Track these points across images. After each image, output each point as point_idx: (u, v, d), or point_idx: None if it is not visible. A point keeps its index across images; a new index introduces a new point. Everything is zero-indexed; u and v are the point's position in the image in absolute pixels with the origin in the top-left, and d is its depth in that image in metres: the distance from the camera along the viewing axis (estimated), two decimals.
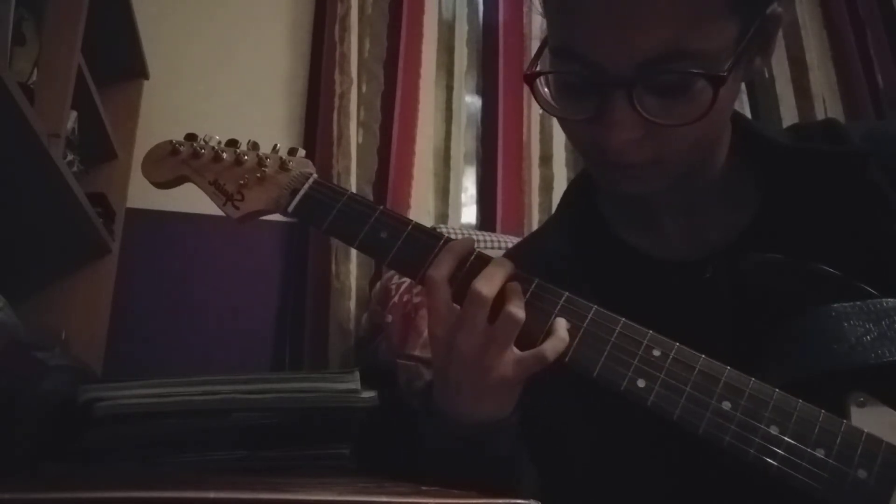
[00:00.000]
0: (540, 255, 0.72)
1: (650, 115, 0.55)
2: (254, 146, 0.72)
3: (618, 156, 0.58)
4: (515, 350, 0.58)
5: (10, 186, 1.01)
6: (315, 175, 0.70)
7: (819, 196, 0.64)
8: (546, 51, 0.61)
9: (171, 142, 0.73)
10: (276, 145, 0.73)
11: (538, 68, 0.61)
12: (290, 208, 0.68)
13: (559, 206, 0.80)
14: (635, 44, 0.53)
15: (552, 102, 0.62)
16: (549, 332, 0.58)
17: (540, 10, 0.63)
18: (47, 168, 0.97)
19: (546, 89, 0.62)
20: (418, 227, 0.64)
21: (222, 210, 0.70)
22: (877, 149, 0.64)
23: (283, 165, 0.70)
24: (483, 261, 0.61)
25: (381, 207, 0.66)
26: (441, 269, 0.60)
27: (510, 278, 0.60)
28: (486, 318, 0.58)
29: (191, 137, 0.73)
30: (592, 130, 0.58)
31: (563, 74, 0.60)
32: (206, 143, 0.73)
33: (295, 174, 0.70)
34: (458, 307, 0.59)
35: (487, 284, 0.58)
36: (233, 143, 0.73)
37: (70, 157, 1.31)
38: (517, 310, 0.57)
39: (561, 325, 0.58)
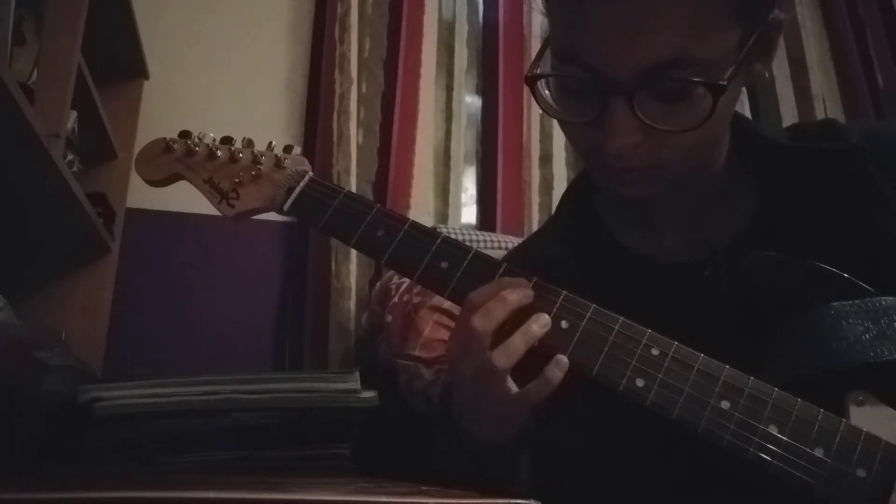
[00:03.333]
0: (539, 260, 0.72)
1: (650, 121, 0.55)
2: (248, 144, 0.72)
3: (617, 160, 0.58)
4: (510, 385, 0.58)
5: (10, 186, 1.01)
6: (311, 173, 0.69)
7: (817, 195, 0.64)
8: (548, 53, 0.61)
9: (164, 139, 0.72)
10: (270, 143, 0.72)
11: (539, 70, 0.61)
12: (286, 206, 0.68)
13: (557, 209, 0.80)
14: (638, 51, 0.53)
15: (553, 104, 0.62)
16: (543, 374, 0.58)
17: (542, 9, 0.63)
18: (47, 168, 0.97)
19: (546, 91, 0.62)
20: (415, 226, 0.64)
21: (217, 209, 0.70)
22: (875, 148, 0.64)
23: (278, 163, 0.70)
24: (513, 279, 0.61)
25: (378, 205, 0.66)
26: (481, 294, 0.60)
27: (513, 312, 0.59)
28: (485, 350, 0.58)
29: (185, 135, 0.73)
30: (592, 134, 0.59)
31: (564, 78, 0.60)
32: (200, 140, 0.72)
33: (290, 172, 0.69)
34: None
35: (484, 321, 0.58)
36: (227, 141, 0.72)
37: (70, 157, 1.32)
38: (514, 348, 0.58)
39: (559, 365, 0.58)
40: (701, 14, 0.53)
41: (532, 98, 1.99)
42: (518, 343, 0.58)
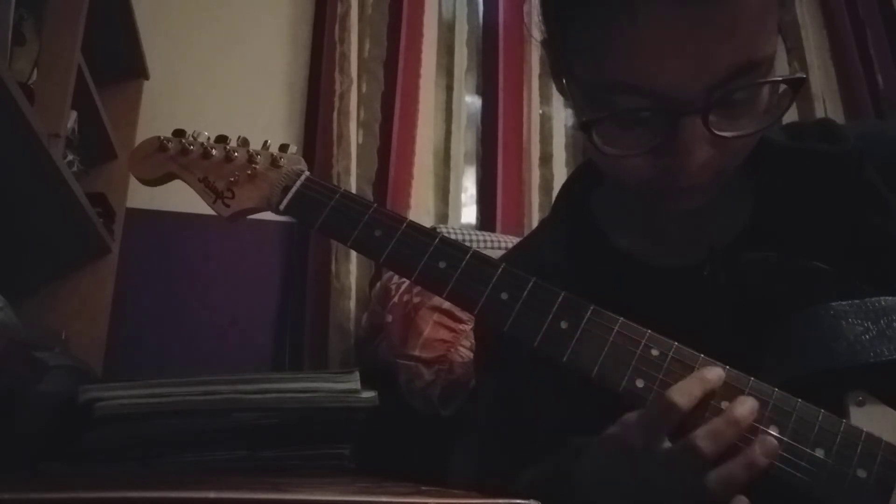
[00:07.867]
0: (536, 261, 0.71)
1: (722, 132, 0.53)
2: (244, 143, 0.71)
3: (691, 178, 0.55)
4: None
5: (10, 186, 1.01)
6: (307, 172, 0.68)
7: (815, 195, 0.64)
8: (583, 87, 0.57)
9: (158, 138, 0.71)
10: (266, 141, 0.71)
11: (592, 113, 0.57)
12: (282, 206, 0.66)
13: (553, 209, 0.78)
14: (704, 68, 0.51)
15: (604, 143, 0.57)
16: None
17: (540, 37, 0.61)
18: (47, 168, 0.97)
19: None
20: (412, 226, 0.64)
21: (212, 208, 0.68)
22: (872, 148, 0.64)
23: (274, 162, 0.69)
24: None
25: (375, 205, 0.65)
26: (685, 398, 0.52)
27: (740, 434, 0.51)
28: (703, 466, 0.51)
29: (179, 133, 0.71)
30: (659, 159, 0.56)
31: (622, 112, 0.55)
32: (194, 139, 0.71)
33: (286, 171, 0.68)
34: (669, 446, 0.52)
35: (713, 446, 0.50)
36: (222, 140, 0.71)
37: (70, 157, 1.32)
38: (736, 480, 0.50)
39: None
40: (760, 15, 0.51)
41: (532, 98, 1.99)
42: (741, 475, 0.50)
